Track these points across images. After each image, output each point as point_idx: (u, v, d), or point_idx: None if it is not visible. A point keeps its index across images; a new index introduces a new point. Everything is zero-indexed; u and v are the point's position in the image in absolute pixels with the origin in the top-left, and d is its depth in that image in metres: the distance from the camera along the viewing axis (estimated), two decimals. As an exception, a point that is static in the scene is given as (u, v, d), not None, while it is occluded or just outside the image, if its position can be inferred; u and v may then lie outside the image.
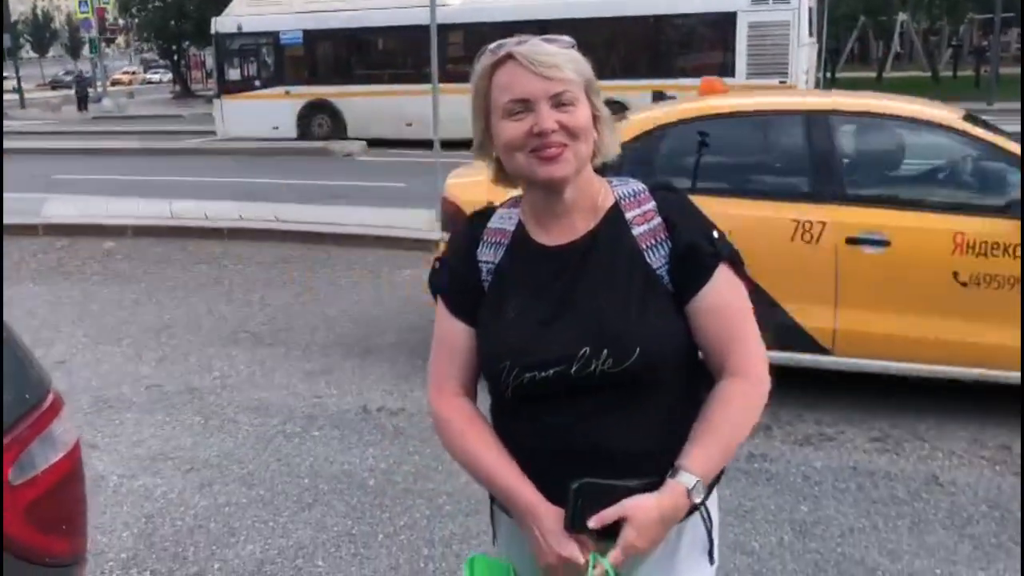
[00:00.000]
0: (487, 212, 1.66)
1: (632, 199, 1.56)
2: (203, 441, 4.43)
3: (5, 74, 50.84)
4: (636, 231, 1.53)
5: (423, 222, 8.84)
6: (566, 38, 1.52)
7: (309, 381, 5.19)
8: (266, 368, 5.43)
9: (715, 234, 1.54)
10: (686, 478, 1.45)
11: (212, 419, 4.70)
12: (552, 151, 1.45)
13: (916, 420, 4.47)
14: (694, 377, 1.57)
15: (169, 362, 5.59)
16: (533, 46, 1.46)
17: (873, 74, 36.92)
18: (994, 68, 26.20)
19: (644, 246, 1.52)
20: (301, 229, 9.13)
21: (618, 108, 13.22)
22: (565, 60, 1.46)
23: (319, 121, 19.16)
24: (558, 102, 1.45)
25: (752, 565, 3.26)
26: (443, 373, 1.64)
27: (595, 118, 1.51)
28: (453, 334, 1.62)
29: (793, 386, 4.89)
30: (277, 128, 19.11)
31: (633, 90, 16.35)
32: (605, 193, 1.57)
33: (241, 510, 3.74)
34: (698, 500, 1.46)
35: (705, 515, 1.59)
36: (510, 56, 1.46)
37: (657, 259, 1.52)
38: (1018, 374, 4.17)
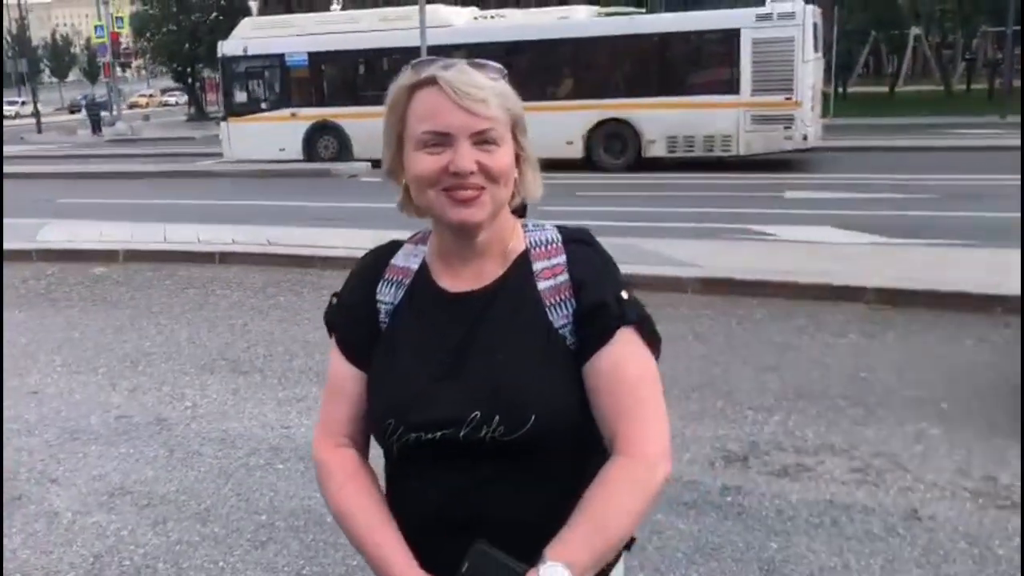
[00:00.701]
0: (392, 247, 1.55)
1: (543, 248, 1.45)
2: (164, 475, 4.32)
3: (24, 99, 51.55)
4: (541, 285, 1.42)
5: (415, 244, 8.73)
6: (495, 65, 1.40)
7: (280, 410, 5.08)
8: (239, 397, 5.33)
9: (624, 295, 1.41)
10: (545, 569, 1.26)
11: (177, 451, 4.59)
12: (467, 194, 1.34)
13: (901, 448, 4.30)
14: (589, 446, 1.43)
15: (142, 391, 5.50)
16: (460, 73, 1.34)
17: (886, 88, 36.69)
18: (1007, 81, 25.94)
19: (548, 303, 1.41)
20: (292, 252, 9.05)
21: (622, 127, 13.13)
22: (494, 95, 1.34)
23: (325, 143, 19.17)
24: (480, 140, 1.33)
25: (714, 608, 3.11)
26: (331, 419, 1.52)
27: (519, 158, 1.40)
28: (343, 379, 1.51)
29: (775, 411, 4.77)
30: (283, 150, 19.14)
31: (637, 108, 16.32)
32: (517, 238, 1.46)
33: (192, 548, 3.63)
34: None
35: None
36: (434, 80, 1.34)
37: (560, 318, 1.40)
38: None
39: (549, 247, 1.44)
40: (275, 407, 5.15)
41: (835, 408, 4.81)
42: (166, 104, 63.09)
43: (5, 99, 38.98)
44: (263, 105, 19.42)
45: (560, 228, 1.49)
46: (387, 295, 1.48)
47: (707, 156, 16.48)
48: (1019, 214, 8.43)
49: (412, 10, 18.07)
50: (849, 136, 20.14)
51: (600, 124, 16.25)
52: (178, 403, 5.27)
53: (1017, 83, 27.35)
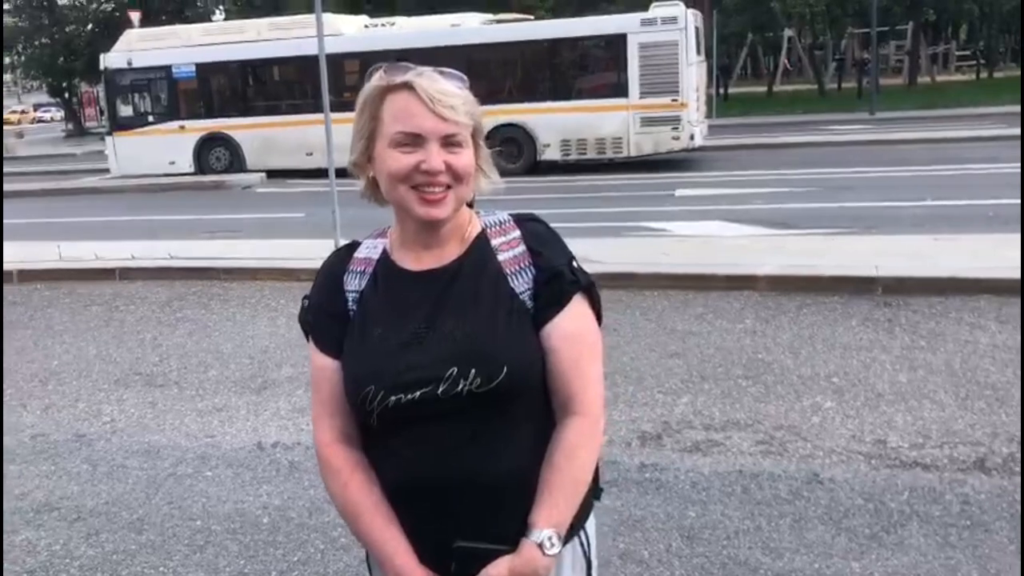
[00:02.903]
0: (353, 245, 1.67)
1: (498, 227, 1.60)
2: (91, 489, 4.30)
3: None
4: (501, 257, 1.57)
5: (321, 251, 8.76)
6: (459, 74, 1.53)
7: (201, 420, 5.10)
8: (158, 410, 5.31)
9: (574, 264, 1.59)
10: (536, 534, 1.49)
11: (100, 465, 4.56)
12: (435, 194, 1.48)
13: (800, 420, 4.64)
14: (548, 402, 1.60)
15: (56, 410, 5.42)
16: (432, 80, 1.48)
17: (764, 89, 38.24)
18: (874, 80, 27.46)
19: (509, 271, 1.56)
20: (195, 265, 8.94)
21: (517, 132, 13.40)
22: (461, 102, 1.48)
23: (217, 155, 18.84)
24: (448, 142, 1.48)
25: (642, 574, 3.33)
26: (323, 415, 1.62)
27: (477, 157, 1.55)
28: (326, 373, 1.60)
29: (682, 393, 5.07)
30: (174, 163, 18.73)
31: (531, 113, 16.65)
32: (473, 222, 1.61)
33: (130, 557, 3.65)
34: (553, 552, 1.49)
35: (583, 538, 1.64)
36: (409, 86, 1.47)
37: (521, 284, 1.55)
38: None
39: (504, 225, 1.61)
40: (196, 417, 5.16)
41: (737, 388, 5.14)
42: (40, 120, 60.35)
43: None
44: (150, 118, 18.96)
45: (510, 212, 1.66)
46: (353, 284, 1.61)
47: (599, 158, 16.96)
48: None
49: (300, 18, 17.96)
50: (732, 135, 20.99)
51: (495, 129, 16.51)
52: (95, 419, 5.22)
53: (883, 81, 29.00)
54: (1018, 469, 3.96)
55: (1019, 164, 11.51)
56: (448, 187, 1.49)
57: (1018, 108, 18.59)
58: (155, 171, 18.55)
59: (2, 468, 4.58)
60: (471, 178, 1.53)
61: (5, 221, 13.40)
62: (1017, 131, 15.53)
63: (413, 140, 1.48)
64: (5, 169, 24.86)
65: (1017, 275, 6.52)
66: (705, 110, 18.48)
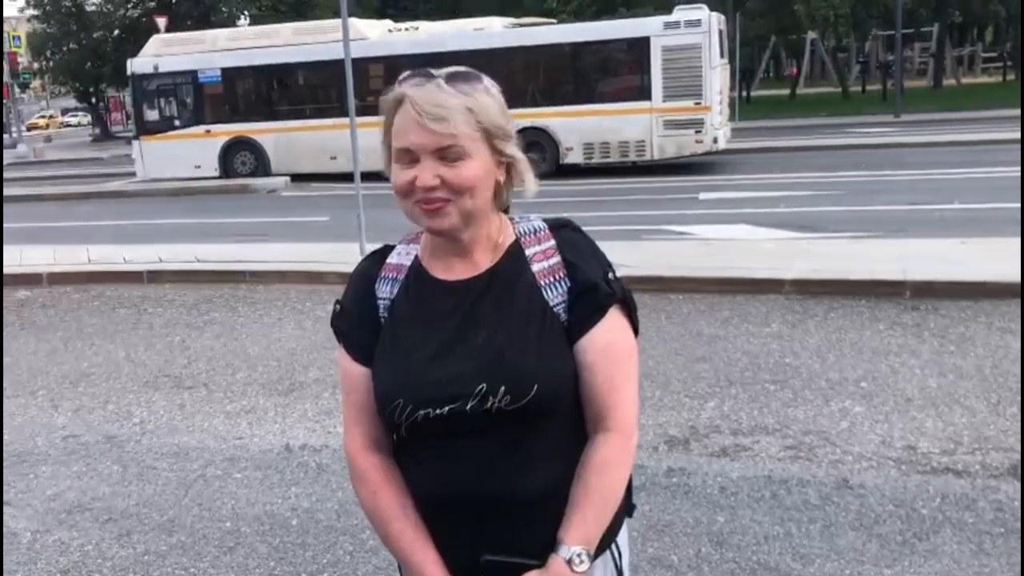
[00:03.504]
0: (386, 249, 1.65)
1: (532, 236, 1.57)
2: (122, 490, 4.34)
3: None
4: (535, 267, 1.53)
5: (347, 255, 8.81)
6: (475, 75, 1.48)
7: (230, 423, 5.14)
8: (186, 412, 5.36)
9: (611, 275, 1.55)
10: (565, 551, 1.48)
11: (131, 467, 4.61)
12: (433, 205, 1.45)
13: (829, 425, 4.61)
14: (581, 417, 1.57)
15: (86, 411, 5.48)
16: (426, 93, 1.43)
17: (787, 91, 38.04)
18: (898, 82, 27.23)
19: (543, 283, 1.52)
20: (222, 268, 9.01)
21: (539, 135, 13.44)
22: (457, 111, 1.42)
23: (242, 158, 18.98)
24: (443, 156, 1.43)
25: (671, 578, 3.33)
26: (353, 422, 1.61)
27: (502, 164, 1.50)
28: (356, 381, 1.59)
29: (709, 397, 5.05)
30: (199, 167, 18.88)
31: (554, 116, 16.66)
32: (506, 230, 1.57)
33: (161, 558, 3.68)
34: (582, 569, 1.47)
35: (615, 552, 1.62)
36: (405, 99, 1.45)
37: (555, 296, 1.52)
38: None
39: (538, 234, 1.57)
40: (224, 419, 5.20)
41: (765, 392, 5.12)
42: (67, 125, 61.07)
43: None
44: (176, 123, 19.13)
45: (544, 218, 1.63)
46: (385, 291, 1.58)
47: (623, 161, 16.93)
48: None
49: (325, 24, 18.08)
50: (755, 138, 20.90)
51: (518, 133, 16.45)
52: (126, 420, 5.27)
53: (907, 84, 28.76)
54: (1052, 476, 3.91)
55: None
56: (447, 200, 1.45)
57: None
58: (181, 175, 18.72)
59: (2, 469, 4.64)
60: (477, 188, 1.46)
61: (35, 224, 13.62)
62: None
63: (409, 156, 1.45)
64: (33, 173, 25.23)
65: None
66: (728, 113, 18.40)
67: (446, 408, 1.47)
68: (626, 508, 1.64)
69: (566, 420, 1.55)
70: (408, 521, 1.55)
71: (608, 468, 1.52)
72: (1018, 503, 3.69)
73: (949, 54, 41.14)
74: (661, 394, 5.13)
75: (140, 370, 6.23)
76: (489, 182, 1.49)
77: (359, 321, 1.59)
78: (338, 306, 1.64)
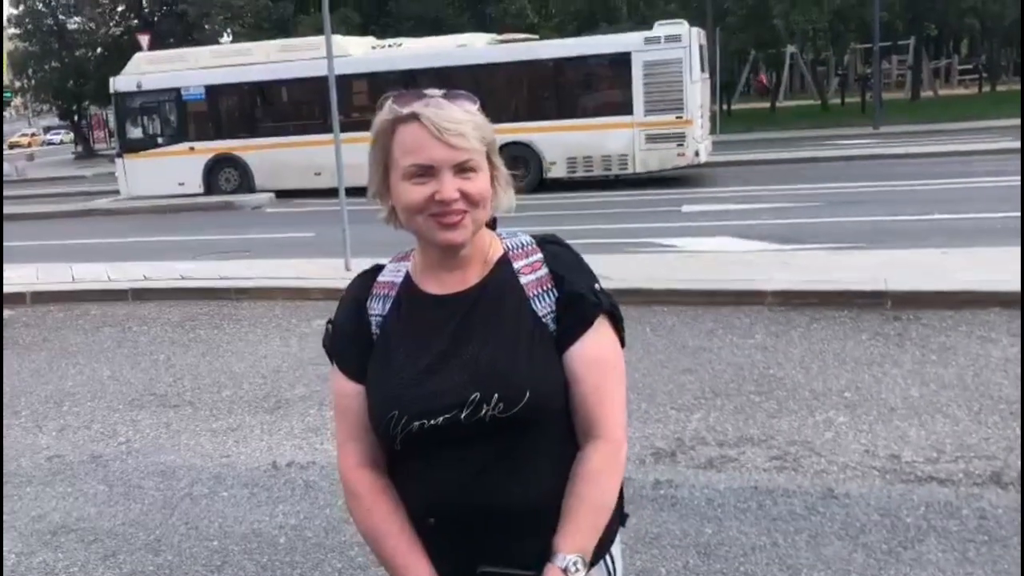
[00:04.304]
0: (376, 269, 1.68)
1: (520, 250, 1.60)
2: (107, 510, 4.32)
3: None
4: (523, 280, 1.57)
5: (332, 270, 8.83)
6: (468, 95, 1.53)
7: (216, 440, 5.12)
8: (172, 430, 5.33)
9: (597, 286, 1.59)
10: (560, 559, 1.50)
11: (116, 486, 4.59)
12: (452, 219, 1.48)
13: (813, 435, 4.65)
14: (570, 426, 1.59)
15: (71, 431, 5.44)
16: (439, 110, 1.47)
17: (767, 104, 38.34)
18: (877, 94, 27.51)
19: (531, 294, 1.56)
20: (207, 286, 9.00)
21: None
22: (471, 128, 1.48)
23: (226, 175, 18.96)
24: (460, 169, 1.47)
25: (659, 590, 3.34)
26: (348, 440, 1.62)
27: (493, 177, 1.54)
28: (349, 398, 1.61)
29: (695, 409, 5.08)
30: (183, 184, 18.86)
31: (537, 131, 16.74)
32: (494, 245, 1.61)
33: (147, 578, 3.67)
34: None
35: (610, 562, 1.64)
36: (415, 117, 1.47)
37: (543, 307, 1.55)
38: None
39: (526, 248, 1.61)
40: (210, 437, 5.18)
41: (750, 403, 5.15)
42: (49, 143, 60.80)
43: None
44: (160, 140, 19.13)
45: (531, 234, 1.67)
46: (376, 308, 1.62)
47: (605, 175, 17.03)
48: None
49: (308, 40, 18.13)
50: (737, 151, 21.04)
51: (502, 148, 16.49)
52: (111, 440, 5.25)
53: (885, 96, 29.05)
54: (1034, 483, 3.96)
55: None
56: (465, 212, 1.49)
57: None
58: (165, 192, 18.69)
59: (1, 487, 4.61)
60: (487, 201, 1.53)
61: (18, 243, 13.52)
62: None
63: (426, 171, 1.48)
64: (16, 192, 25.07)
65: (1027, 288, 6.52)
66: (709, 126, 18.55)
67: (441, 418, 1.49)
68: (619, 518, 1.67)
69: (558, 431, 1.57)
70: (403, 538, 1.56)
71: (599, 477, 1.55)
72: (1001, 511, 3.73)
73: (926, 67, 41.64)
74: (647, 406, 5.15)
75: (125, 389, 6.21)
76: (491, 195, 1.54)
77: (352, 339, 1.61)
78: (330, 325, 1.66)
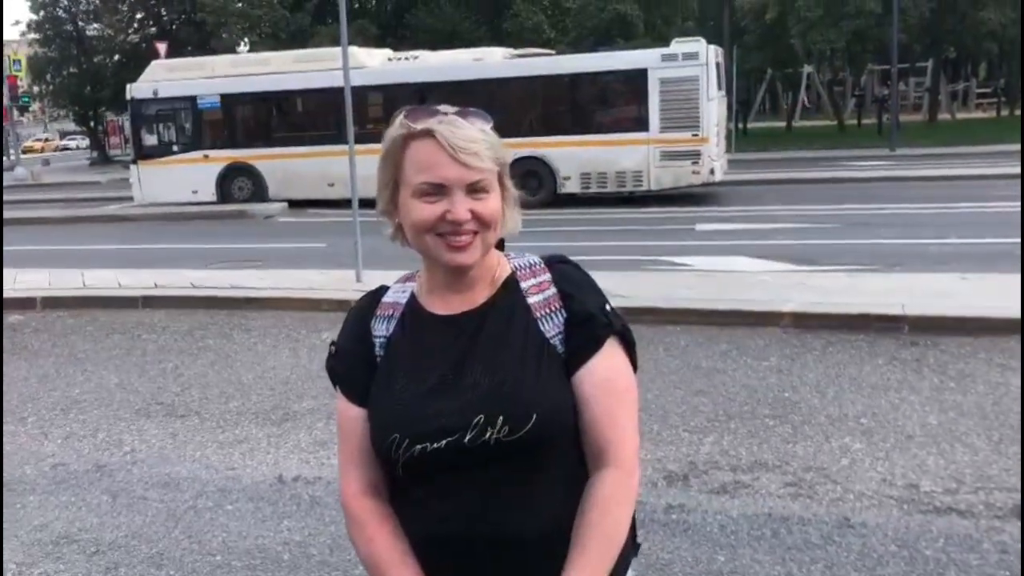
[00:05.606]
0: (380, 290, 1.64)
1: (527, 270, 1.57)
2: (110, 521, 4.26)
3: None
4: (531, 300, 1.53)
5: (343, 282, 8.79)
6: (482, 114, 1.50)
7: (222, 452, 5.06)
8: (178, 441, 5.28)
9: (608, 307, 1.54)
10: None
11: (120, 497, 4.53)
12: (462, 240, 1.45)
13: (829, 462, 4.55)
14: (580, 451, 1.54)
15: (76, 439, 5.40)
16: (454, 128, 1.44)
17: (783, 123, 38.28)
18: (894, 116, 27.41)
19: (539, 315, 1.52)
20: (218, 295, 8.96)
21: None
22: (485, 147, 1.45)
23: (240, 184, 19.00)
24: (473, 189, 1.44)
25: (670, 619, 3.26)
26: (350, 466, 1.58)
27: (503, 198, 1.51)
28: (352, 422, 1.57)
29: (708, 432, 4.99)
30: (197, 192, 18.90)
31: (552, 146, 16.72)
32: (502, 265, 1.57)
33: (148, 592, 3.61)
34: None
35: None
36: (430, 133, 1.44)
37: (551, 328, 1.51)
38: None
39: (534, 268, 1.58)
40: (217, 449, 5.13)
41: (764, 427, 5.06)
42: (65, 148, 61.18)
43: None
44: (175, 148, 19.19)
45: (540, 254, 1.62)
46: (381, 329, 1.57)
47: (619, 191, 16.97)
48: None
49: (325, 51, 18.16)
50: (752, 170, 20.97)
51: (516, 162, 16.50)
52: (116, 449, 5.20)
53: (903, 118, 28.93)
54: (1056, 517, 3.86)
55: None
56: (475, 233, 1.46)
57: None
58: (178, 200, 18.74)
59: (1, 495, 4.56)
60: (498, 223, 1.49)
61: (31, 248, 13.56)
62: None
63: (437, 190, 1.44)
64: (31, 196, 25.21)
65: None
66: (725, 145, 18.48)
67: (443, 441, 1.45)
68: (632, 547, 1.60)
69: (567, 456, 1.52)
70: (406, 568, 1.50)
71: (610, 505, 1.48)
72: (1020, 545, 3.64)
73: (944, 89, 41.49)
74: (659, 428, 5.07)
75: (132, 397, 6.16)
76: (502, 217, 1.51)
77: (355, 361, 1.57)
78: (333, 347, 1.62)
